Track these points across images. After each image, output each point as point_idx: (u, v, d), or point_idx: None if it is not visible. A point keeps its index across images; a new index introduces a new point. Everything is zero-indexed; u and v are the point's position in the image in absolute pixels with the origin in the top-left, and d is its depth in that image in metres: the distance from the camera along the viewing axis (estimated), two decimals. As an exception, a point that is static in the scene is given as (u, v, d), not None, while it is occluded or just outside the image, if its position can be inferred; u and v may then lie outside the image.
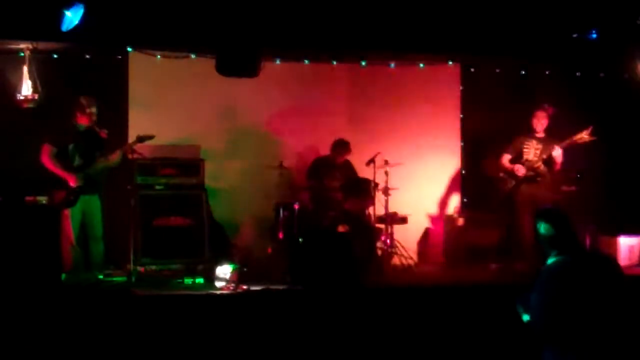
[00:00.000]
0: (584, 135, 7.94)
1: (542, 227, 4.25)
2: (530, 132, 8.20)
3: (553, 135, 8.16)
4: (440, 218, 9.47)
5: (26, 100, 7.99)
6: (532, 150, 8.15)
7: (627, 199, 9.29)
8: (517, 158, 8.20)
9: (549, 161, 8.07)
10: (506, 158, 8.25)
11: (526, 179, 8.12)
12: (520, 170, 8.10)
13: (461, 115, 9.68)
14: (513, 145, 8.26)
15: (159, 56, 8.75)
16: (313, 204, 8.59)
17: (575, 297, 3.94)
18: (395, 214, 8.69)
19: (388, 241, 8.55)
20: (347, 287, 6.96)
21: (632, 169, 9.46)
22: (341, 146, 8.73)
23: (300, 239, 7.48)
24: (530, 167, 8.10)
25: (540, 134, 8.18)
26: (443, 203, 9.58)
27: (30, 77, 8.02)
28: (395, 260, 8.68)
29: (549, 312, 3.99)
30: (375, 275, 7.94)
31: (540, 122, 8.16)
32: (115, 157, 7.64)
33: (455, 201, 9.63)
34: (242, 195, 9.00)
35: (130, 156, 7.68)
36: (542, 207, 8.08)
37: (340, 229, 8.07)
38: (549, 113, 8.20)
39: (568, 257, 4.13)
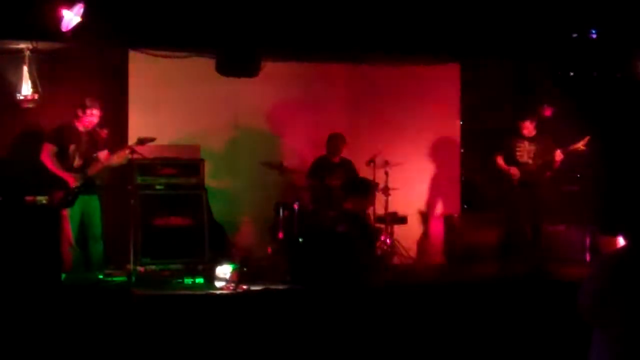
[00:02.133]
0: (580, 146, 7.98)
1: None
2: (520, 133, 8.23)
3: (546, 134, 8.18)
4: (440, 218, 9.47)
5: (26, 100, 7.99)
6: (525, 151, 8.17)
7: (627, 199, 9.27)
8: (511, 159, 8.21)
9: (546, 162, 8.08)
10: (500, 159, 8.27)
11: (523, 179, 8.12)
12: (514, 171, 8.12)
13: (461, 115, 9.68)
14: (505, 146, 8.28)
15: (159, 56, 8.74)
16: (313, 204, 8.59)
17: (627, 286, 3.91)
18: (395, 214, 8.69)
19: (388, 241, 8.55)
20: (347, 287, 6.96)
21: (632, 169, 9.45)
22: (335, 139, 8.72)
23: (300, 239, 7.48)
24: (524, 168, 8.11)
25: (531, 135, 8.20)
26: (443, 203, 9.58)
27: (30, 77, 8.02)
28: (395, 260, 8.68)
29: (599, 298, 3.97)
30: (375, 275, 7.93)
31: (528, 128, 8.19)
32: (117, 159, 7.63)
33: (455, 201, 9.63)
34: (242, 195, 9.00)
35: (130, 156, 7.68)
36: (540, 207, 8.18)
37: (340, 228, 8.07)
38: (540, 117, 8.23)
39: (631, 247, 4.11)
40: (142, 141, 7.59)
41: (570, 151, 8.02)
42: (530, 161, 8.11)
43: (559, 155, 8.03)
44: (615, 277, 3.91)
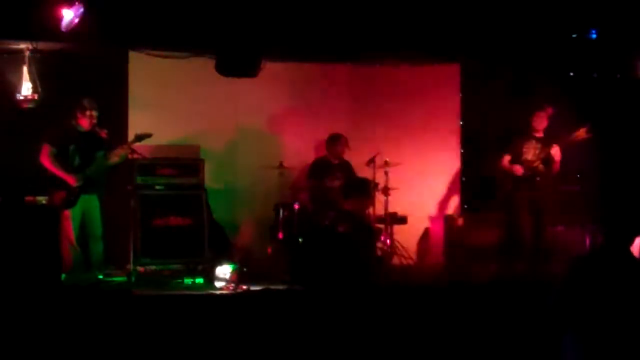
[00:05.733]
0: (581, 133, 7.95)
1: None
2: (529, 133, 8.20)
3: (552, 135, 8.17)
4: (440, 218, 9.45)
5: (26, 100, 8.00)
6: (531, 151, 8.15)
7: (626, 198, 9.28)
8: (517, 158, 8.20)
9: (547, 161, 8.07)
10: (506, 159, 8.25)
11: (525, 179, 8.12)
12: (519, 170, 8.10)
13: (461, 115, 9.68)
14: (512, 146, 8.26)
15: (159, 56, 8.73)
16: (313, 204, 8.59)
17: (599, 288, 3.91)
18: (395, 214, 8.69)
19: (388, 241, 8.55)
20: (347, 287, 6.96)
21: (632, 169, 9.45)
22: (335, 140, 8.71)
23: (300, 239, 7.48)
24: (528, 167, 8.10)
25: (540, 134, 8.18)
26: (443, 203, 9.58)
27: (30, 77, 8.03)
28: (395, 260, 8.68)
29: (572, 299, 3.96)
30: (375, 275, 7.93)
31: (540, 122, 8.16)
32: (115, 158, 7.62)
33: (455, 201, 9.63)
34: (242, 195, 9.00)
35: (130, 156, 7.68)
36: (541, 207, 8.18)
37: (340, 228, 8.06)
38: (549, 113, 8.21)
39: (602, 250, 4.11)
40: (139, 137, 7.58)
41: (571, 140, 7.99)
42: (534, 159, 8.09)
43: (556, 151, 8.00)
44: (581, 277, 3.88)
